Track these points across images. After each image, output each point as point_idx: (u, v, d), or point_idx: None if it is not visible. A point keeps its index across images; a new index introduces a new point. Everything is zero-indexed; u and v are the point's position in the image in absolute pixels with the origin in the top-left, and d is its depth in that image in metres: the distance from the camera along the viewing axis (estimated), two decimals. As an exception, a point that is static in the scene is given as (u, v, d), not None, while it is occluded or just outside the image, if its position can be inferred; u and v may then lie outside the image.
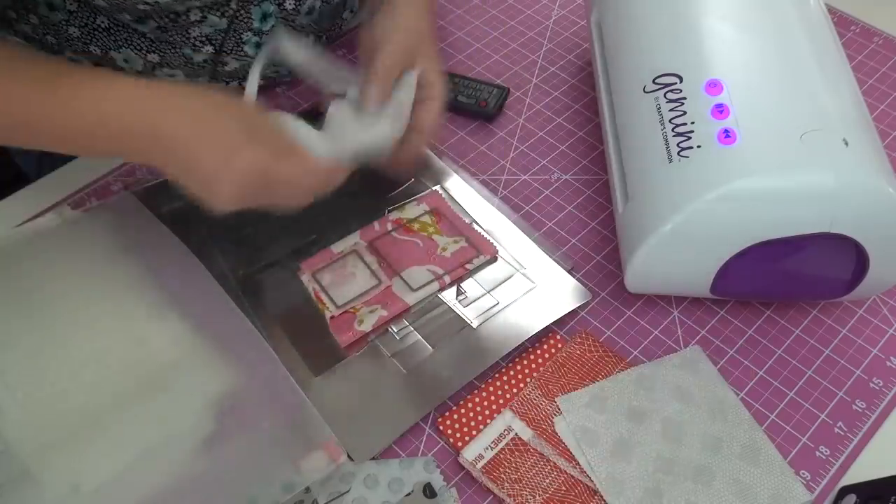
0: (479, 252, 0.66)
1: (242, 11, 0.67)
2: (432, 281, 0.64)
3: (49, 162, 0.74)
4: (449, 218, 0.69)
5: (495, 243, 0.67)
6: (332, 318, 0.61)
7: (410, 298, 0.63)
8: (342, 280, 0.63)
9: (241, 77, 0.75)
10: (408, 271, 0.64)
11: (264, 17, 0.69)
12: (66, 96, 0.52)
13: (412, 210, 0.69)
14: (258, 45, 0.71)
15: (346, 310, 0.62)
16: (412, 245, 0.66)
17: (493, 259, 0.66)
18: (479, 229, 0.68)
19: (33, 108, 0.52)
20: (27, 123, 0.53)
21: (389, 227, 0.68)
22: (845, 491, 0.54)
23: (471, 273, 0.65)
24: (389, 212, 0.69)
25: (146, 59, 0.68)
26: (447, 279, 0.64)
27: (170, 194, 0.64)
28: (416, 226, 0.68)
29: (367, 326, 0.61)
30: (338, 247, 0.66)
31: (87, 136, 0.53)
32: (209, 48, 0.68)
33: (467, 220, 0.69)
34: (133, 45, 0.67)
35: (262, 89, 0.80)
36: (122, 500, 0.52)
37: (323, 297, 0.62)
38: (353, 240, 0.67)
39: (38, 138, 0.54)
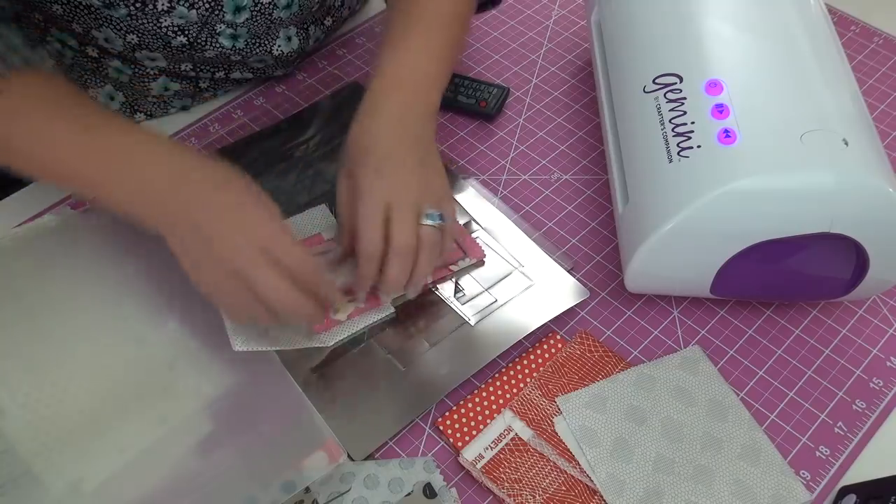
0: (465, 254, 0.66)
1: (215, 3, 0.66)
2: None
3: None
4: None
5: (493, 243, 0.67)
6: None
7: (386, 296, 0.62)
8: (329, 272, 0.63)
9: (221, 64, 0.74)
10: None
11: (238, 9, 0.68)
12: (101, 143, 0.55)
13: None
14: (234, 38, 0.70)
15: None
16: None
17: (481, 263, 0.66)
18: (477, 227, 0.68)
19: (66, 148, 0.54)
20: (55, 161, 0.55)
21: None
22: (845, 491, 0.54)
23: (455, 274, 0.65)
24: None
25: (125, 40, 0.68)
26: (429, 279, 0.64)
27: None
28: None
29: (342, 316, 0.61)
30: (328, 233, 0.66)
31: (108, 181, 0.55)
32: (182, 38, 0.68)
33: (461, 221, 0.68)
34: (112, 24, 0.67)
35: (261, 87, 0.81)
36: (122, 499, 0.52)
37: None
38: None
39: (56, 175, 0.56)
